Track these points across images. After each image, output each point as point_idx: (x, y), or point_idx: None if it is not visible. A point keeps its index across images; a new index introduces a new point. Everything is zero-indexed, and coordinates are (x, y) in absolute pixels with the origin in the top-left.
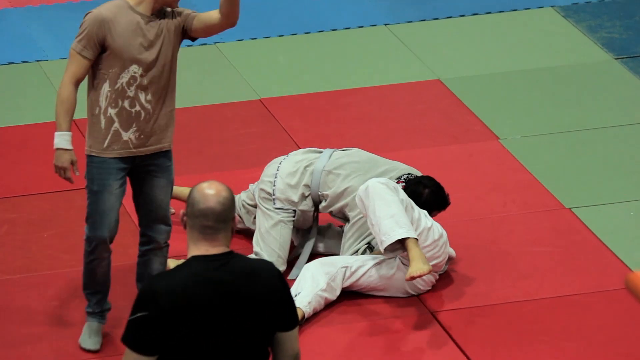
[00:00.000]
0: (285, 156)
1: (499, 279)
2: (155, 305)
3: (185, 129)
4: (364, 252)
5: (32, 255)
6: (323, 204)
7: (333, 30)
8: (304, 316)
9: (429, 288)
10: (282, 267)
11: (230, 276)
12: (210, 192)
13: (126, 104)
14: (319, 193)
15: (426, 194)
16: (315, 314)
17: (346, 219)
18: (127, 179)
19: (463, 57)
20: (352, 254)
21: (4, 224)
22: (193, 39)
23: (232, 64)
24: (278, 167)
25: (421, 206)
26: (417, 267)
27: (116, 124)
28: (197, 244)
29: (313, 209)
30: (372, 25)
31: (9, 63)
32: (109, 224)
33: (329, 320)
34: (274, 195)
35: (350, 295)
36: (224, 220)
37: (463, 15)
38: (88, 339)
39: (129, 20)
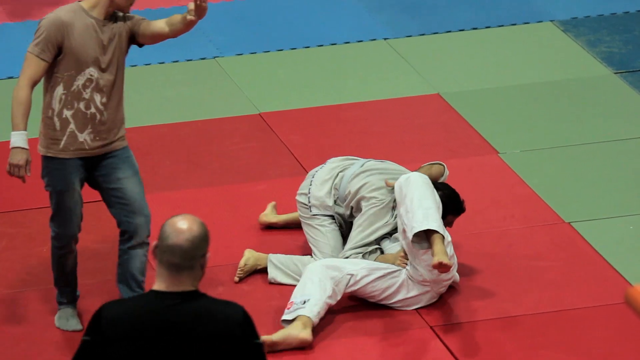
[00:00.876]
0: (322, 165)
1: (498, 294)
2: (98, 331)
3: (184, 143)
4: (372, 252)
5: (32, 269)
6: (346, 201)
7: (332, 44)
8: (313, 325)
9: (433, 301)
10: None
11: (179, 317)
12: (181, 227)
13: (82, 105)
14: (345, 193)
15: (439, 196)
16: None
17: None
18: (86, 183)
19: (462, 71)
20: (359, 248)
21: (3, 239)
22: (140, 45)
23: (232, 78)
24: (314, 175)
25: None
26: (443, 257)
27: (72, 126)
28: (161, 278)
29: (348, 212)
30: (372, 40)
31: (9, 77)
32: (77, 220)
33: (327, 333)
34: (309, 203)
35: (348, 308)
36: (191, 258)
37: (462, 30)
38: (67, 322)
39: (84, 23)
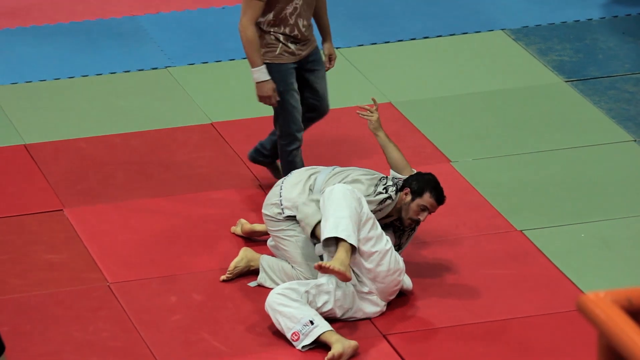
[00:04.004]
0: (286, 176)
1: (450, 301)
2: None
3: (135, 153)
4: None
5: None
6: None
7: None
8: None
9: (381, 312)
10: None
11: None
12: None
13: (287, 30)
14: (322, 190)
15: (426, 174)
16: (261, 335)
17: None
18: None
19: (414, 80)
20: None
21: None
22: None
23: (184, 88)
24: (282, 182)
25: (417, 182)
26: (335, 264)
27: (282, 39)
28: None
29: None
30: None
31: (13, 83)
32: (299, 117)
33: (278, 343)
34: (281, 205)
35: None
36: None
37: (414, 39)
38: None
39: None
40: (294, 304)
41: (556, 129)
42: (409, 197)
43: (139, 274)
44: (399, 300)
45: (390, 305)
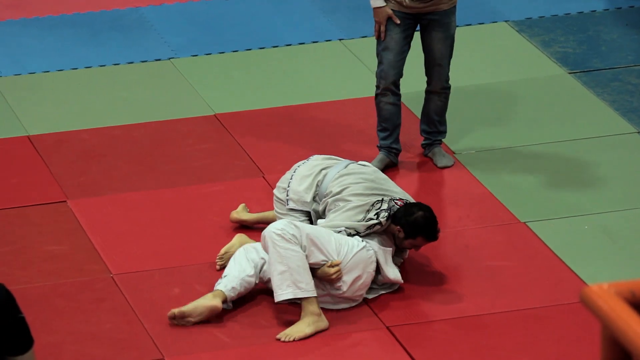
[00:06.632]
0: (304, 161)
1: (454, 294)
2: None
3: (139, 144)
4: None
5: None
6: (325, 198)
7: (287, 45)
8: (225, 299)
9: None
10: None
11: None
12: None
13: None
14: (327, 191)
15: (418, 215)
16: (265, 327)
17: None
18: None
19: (416, 71)
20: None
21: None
22: None
23: (187, 79)
24: (295, 170)
25: (409, 225)
26: (297, 329)
27: None
28: None
29: (323, 207)
30: (327, 41)
31: (16, 74)
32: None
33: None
34: (287, 196)
35: (300, 308)
36: None
37: (417, 31)
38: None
39: None
40: (238, 259)
41: (559, 120)
42: (402, 235)
43: (142, 266)
44: (403, 292)
45: (394, 297)
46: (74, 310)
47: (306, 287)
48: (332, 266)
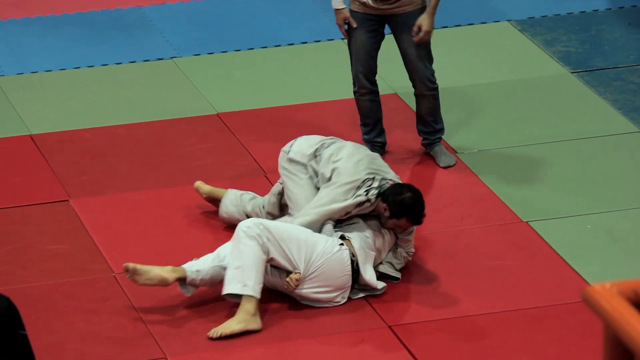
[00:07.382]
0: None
1: (455, 293)
2: None
3: (141, 144)
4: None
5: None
6: (322, 162)
7: (290, 44)
8: (185, 279)
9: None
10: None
11: None
12: None
13: None
14: (326, 155)
15: (407, 196)
16: (267, 326)
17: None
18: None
19: None
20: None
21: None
22: None
23: (189, 78)
24: (301, 136)
25: (396, 204)
26: (227, 325)
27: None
28: None
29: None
30: (329, 40)
31: (19, 73)
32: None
33: (284, 332)
34: (290, 147)
35: (304, 307)
36: None
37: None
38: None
39: None
40: (227, 246)
41: (562, 120)
42: (387, 213)
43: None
44: (405, 291)
45: (395, 296)
46: (76, 310)
47: (252, 286)
48: (295, 274)
